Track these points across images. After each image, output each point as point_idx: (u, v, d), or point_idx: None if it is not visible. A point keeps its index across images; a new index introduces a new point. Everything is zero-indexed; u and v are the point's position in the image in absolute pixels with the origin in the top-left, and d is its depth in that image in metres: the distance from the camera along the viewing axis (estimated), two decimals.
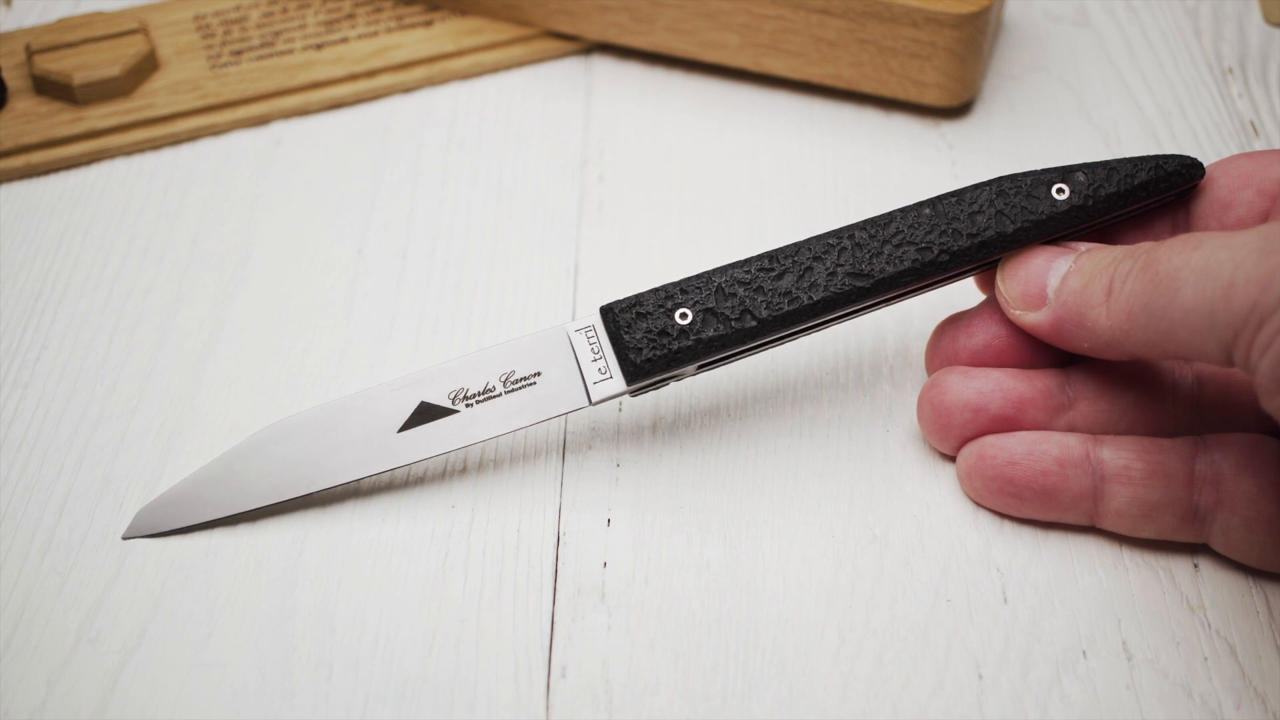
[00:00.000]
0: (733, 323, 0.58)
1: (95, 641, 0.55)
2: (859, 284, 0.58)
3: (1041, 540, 0.59)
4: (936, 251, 0.58)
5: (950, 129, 0.75)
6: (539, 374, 0.59)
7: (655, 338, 0.58)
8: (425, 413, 0.58)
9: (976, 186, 0.59)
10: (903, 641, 0.56)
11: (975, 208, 0.59)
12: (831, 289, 0.58)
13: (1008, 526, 0.59)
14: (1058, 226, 0.58)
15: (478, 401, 0.58)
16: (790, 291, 0.58)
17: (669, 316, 0.58)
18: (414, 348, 0.65)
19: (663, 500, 0.60)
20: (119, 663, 0.55)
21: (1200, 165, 0.59)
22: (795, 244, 0.59)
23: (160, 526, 0.58)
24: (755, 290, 0.58)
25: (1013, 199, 0.58)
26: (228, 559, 0.58)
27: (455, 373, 0.59)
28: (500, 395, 0.58)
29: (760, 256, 0.59)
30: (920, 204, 0.59)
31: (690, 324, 0.58)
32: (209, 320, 0.66)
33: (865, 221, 0.59)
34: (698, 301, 0.58)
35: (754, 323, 0.58)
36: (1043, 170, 0.59)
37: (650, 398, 0.63)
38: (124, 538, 0.58)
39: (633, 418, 0.63)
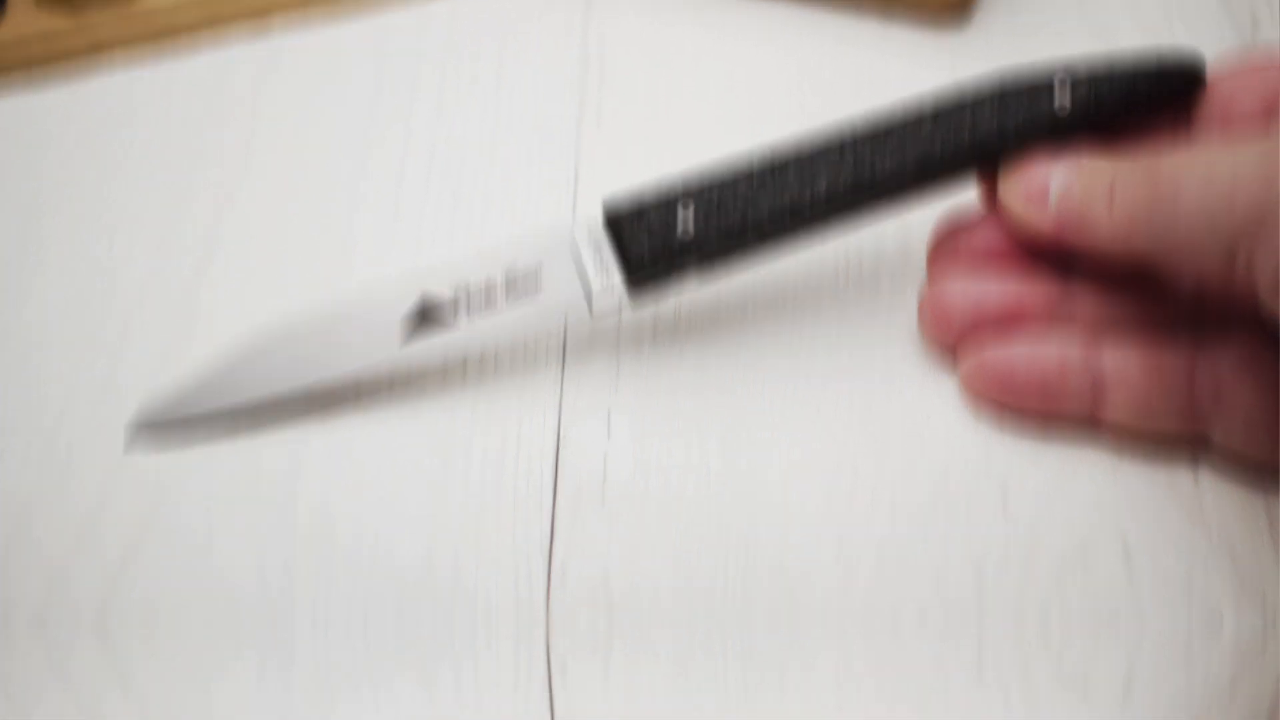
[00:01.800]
0: (736, 221, 0.57)
1: (93, 549, 0.56)
2: (862, 182, 0.58)
3: (1042, 447, 0.59)
4: (939, 156, 0.58)
5: (951, 37, 0.74)
6: (539, 273, 0.59)
7: (656, 245, 0.57)
8: (426, 315, 0.58)
9: (979, 87, 0.59)
10: (903, 545, 0.56)
11: (977, 117, 0.58)
12: (837, 187, 0.58)
13: (1008, 432, 0.59)
14: (1060, 132, 0.58)
15: (479, 309, 0.58)
16: (793, 188, 0.58)
17: (670, 213, 0.57)
18: (415, 256, 0.65)
19: (663, 405, 0.60)
20: (118, 570, 0.55)
21: (1201, 62, 0.58)
22: (798, 142, 0.58)
23: (163, 416, 0.58)
24: (759, 188, 0.58)
25: (1015, 98, 0.58)
26: (229, 468, 0.58)
27: (458, 265, 0.59)
28: (498, 299, 0.58)
29: (764, 154, 0.58)
30: (922, 108, 0.59)
31: (694, 223, 0.57)
32: (209, 229, 0.66)
33: (867, 120, 0.59)
34: (700, 200, 0.58)
35: (758, 219, 0.57)
36: (1043, 68, 0.59)
37: (650, 304, 0.63)
38: (126, 427, 0.58)
39: (633, 322, 0.63)
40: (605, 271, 0.58)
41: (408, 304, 0.58)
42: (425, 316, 0.58)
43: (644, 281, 0.58)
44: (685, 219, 0.57)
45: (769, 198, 0.58)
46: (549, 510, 0.57)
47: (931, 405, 0.60)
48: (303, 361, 0.58)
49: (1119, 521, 0.57)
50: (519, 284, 0.59)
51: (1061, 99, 0.58)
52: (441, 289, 0.58)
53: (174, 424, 0.59)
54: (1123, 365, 0.57)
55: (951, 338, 0.60)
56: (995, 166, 0.59)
